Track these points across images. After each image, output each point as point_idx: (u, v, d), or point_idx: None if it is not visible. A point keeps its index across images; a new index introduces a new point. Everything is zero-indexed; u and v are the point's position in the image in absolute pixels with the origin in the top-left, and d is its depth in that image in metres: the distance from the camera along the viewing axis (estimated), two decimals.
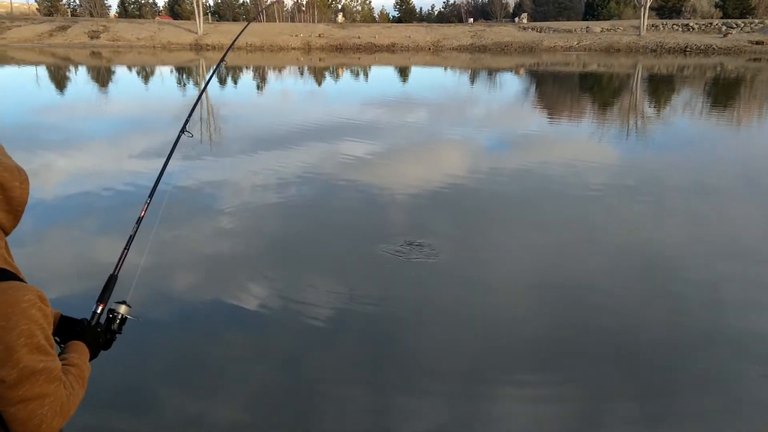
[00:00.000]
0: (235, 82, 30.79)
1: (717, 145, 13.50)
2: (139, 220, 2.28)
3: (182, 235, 7.07)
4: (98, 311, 1.93)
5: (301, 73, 36.40)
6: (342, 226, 7.45)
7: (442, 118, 17.84)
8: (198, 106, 2.94)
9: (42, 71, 34.02)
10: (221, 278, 5.91)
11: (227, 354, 4.57)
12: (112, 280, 2.04)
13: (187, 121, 2.70)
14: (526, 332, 4.89)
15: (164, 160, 2.58)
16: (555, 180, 9.77)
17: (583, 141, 13.77)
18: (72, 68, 37.40)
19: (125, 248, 2.19)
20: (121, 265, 2.14)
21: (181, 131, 2.69)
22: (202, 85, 3.76)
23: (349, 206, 8.42)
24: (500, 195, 9.06)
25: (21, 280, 1.55)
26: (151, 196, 2.38)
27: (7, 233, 1.59)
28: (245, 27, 3.82)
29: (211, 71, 3.36)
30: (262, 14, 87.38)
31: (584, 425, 3.76)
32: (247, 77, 34.22)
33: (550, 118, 18.23)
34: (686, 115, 18.32)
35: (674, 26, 54.63)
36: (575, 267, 6.23)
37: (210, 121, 17.06)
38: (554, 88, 27.80)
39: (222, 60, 3.39)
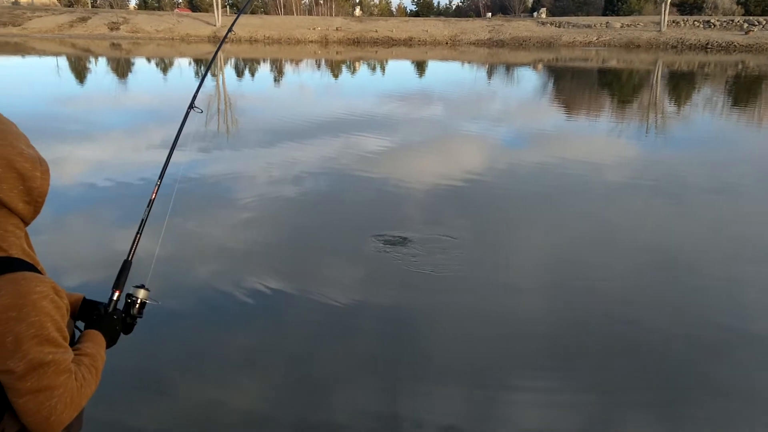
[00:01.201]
0: (253, 75, 30.90)
1: (738, 143, 13.32)
2: (150, 203, 2.24)
3: (199, 223, 7.11)
4: (114, 298, 1.92)
5: (318, 67, 36.42)
6: (355, 219, 7.45)
7: (458, 113, 17.77)
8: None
9: (63, 62, 34.35)
10: (237, 267, 5.94)
11: (242, 341, 4.60)
12: (126, 265, 2.03)
13: (195, 97, 2.64)
14: (542, 331, 4.84)
15: (173, 139, 2.53)
16: (572, 177, 9.70)
17: (602, 138, 13.66)
18: (92, 59, 37.72)
19: (138, 232, 2.16)
20: (135, 250, 2.11)
21: (189, 107, 2.64)
22: (210, 65, 3.76)
23: (362, 199, 8.42)
24: (516, 191, 9.01)
25: (38, 271, 1.55)
26: (161, 177, 2.34)
27: (26, 224, 1.60)
28: (237, 17, 3.77)
29: (218, 47, 3.32)
30: (280, 6, 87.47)
31: (600, 427, 3.72)
32: (264, 70, 34.30)
33: (567, 114, 18.09)
34: (707, 113, 18.09)
35: (695, 23, 53.95)
36: (593, 266, 6.18)
37: (227, 113, 17.14)
38: (572, 84, 27.57)
39: (226, 36, 3.35)
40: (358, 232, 6.84)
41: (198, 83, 2.84)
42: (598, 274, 5.94)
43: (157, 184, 2.31)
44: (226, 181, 9.17)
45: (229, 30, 3.32)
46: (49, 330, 1.46)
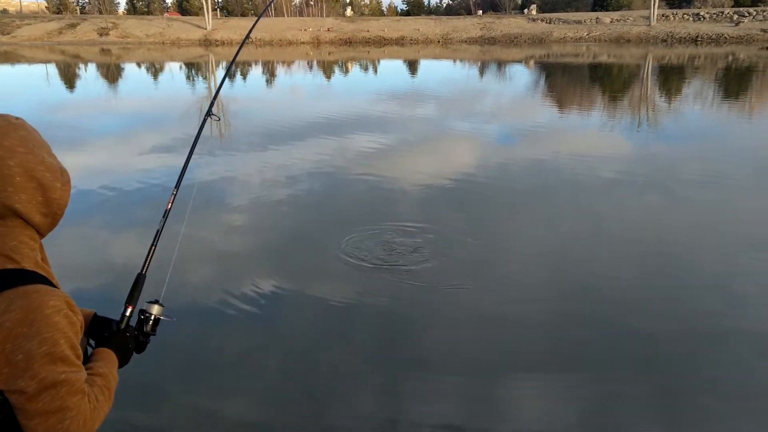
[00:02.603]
0: (245, 78, 30.86)
1: (730, 135, 13.38)
2: (166, 213, 2.12)
3: (202, 232, 7.10)
4: (127, 313, 1.81)
5: (311, 68, 36.39)
6: (354, 219, 7.43)
7: (451, 111, 17.80)
8: (215, 98, 2.90)
9: (52, 69, 34.21)
10: (244, 274, 5.96)
11: (252, 350, 4.62)
12: (140, 279, 1.91)
13: (212, 105, 2.59)
14: (538, 328, 4.86)
15: (189, 149, 2.45)
16: (566, 173, 9.73)
17: (594, 133, 13.70)
18: (82, 66, 37.59)
19: (153, 244, 2.03)
20: (149, 262, 1.98)
21: (207, 114, 2.56)
22: (224, 73, 3.77)
23: (362, 199, 8.44)
24: (510, 188, 9.04)
25: (52, 285, 1.46)
26: (177, 186, 2.23)
27: (42, 236, 1.53)
28: (256, 22, 3.74)
29: (232, 60, 3.30)
30: (271, 8, 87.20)
31: (602, 424, 3.74)
32: (256, 73, 34.26)
33: (560, 110, 18.15)
34: (698, 106, 18.17)
35: (685, 16, 54.16)
36: (590, 262, 6.20)
37: (221, 115, 17.12)
38: (564, 80, 27.65)
39: (240, 49, 3.31)
40: (357, 233, 6.84)
41: (215, 90, 2.83)
42: (595, 270, 5.96)
43: (173, 193, 2.21)
44: (227, 187, 9.16)
45: (248, 34, 3.32)
46: (63, 347, 1.36)
